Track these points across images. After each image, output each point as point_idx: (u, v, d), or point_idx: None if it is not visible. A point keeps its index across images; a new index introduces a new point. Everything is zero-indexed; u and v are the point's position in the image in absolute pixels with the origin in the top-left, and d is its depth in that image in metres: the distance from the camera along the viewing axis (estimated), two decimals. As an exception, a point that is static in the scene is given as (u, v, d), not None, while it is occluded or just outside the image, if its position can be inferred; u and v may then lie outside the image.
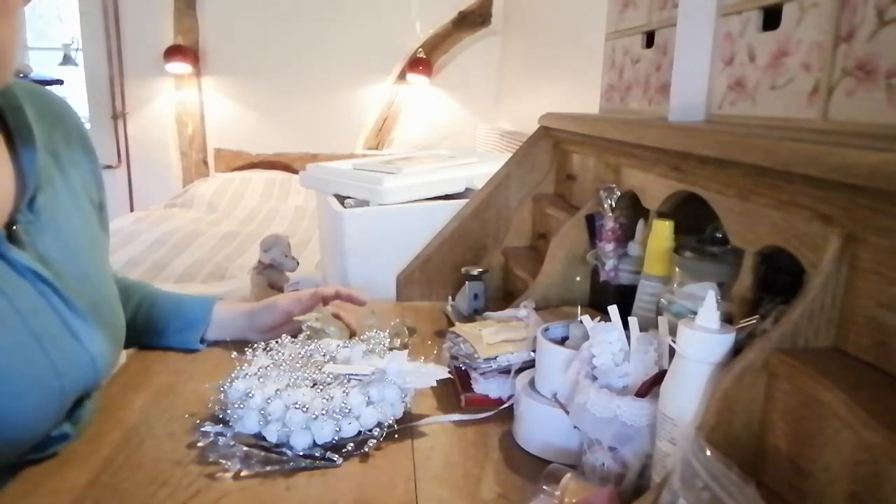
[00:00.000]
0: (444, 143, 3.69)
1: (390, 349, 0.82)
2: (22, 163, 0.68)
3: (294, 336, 0.87)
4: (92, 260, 0.74)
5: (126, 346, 0.83)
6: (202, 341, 0.93)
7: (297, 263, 1.43)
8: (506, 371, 0.77)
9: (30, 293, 0.63)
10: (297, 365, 0.77)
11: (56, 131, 0.74)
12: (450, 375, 0.78)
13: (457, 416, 0.76)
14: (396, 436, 0.70)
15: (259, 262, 1.40)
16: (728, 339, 0.52)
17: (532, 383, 0.72)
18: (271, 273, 1.39)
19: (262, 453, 0.65)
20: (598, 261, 0.85)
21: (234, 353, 0.80)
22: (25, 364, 0.61)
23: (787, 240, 0.55)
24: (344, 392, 0.69)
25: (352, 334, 0.95)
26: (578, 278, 0.93)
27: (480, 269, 1.07)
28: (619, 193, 0.83)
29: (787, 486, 0.49)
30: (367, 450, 0.67)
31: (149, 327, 0.91)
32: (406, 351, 0.80)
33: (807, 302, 0.50)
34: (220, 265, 2.23)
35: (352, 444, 0.67)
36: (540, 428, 0.68)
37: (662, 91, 0.93)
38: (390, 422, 0.69)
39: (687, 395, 0.52)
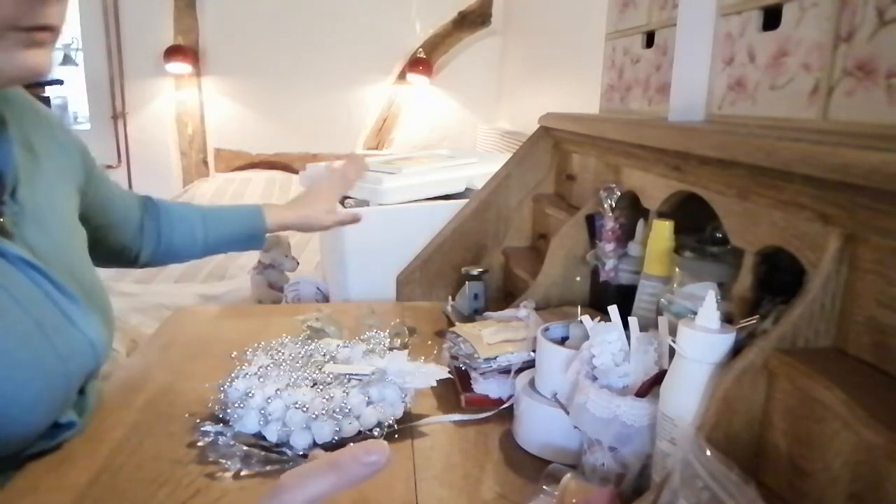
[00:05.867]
0: (444, 143, 3.69)
1: (390, 349, 0.82)
2: None
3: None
4: (74, 249, 0.74)
5: (186, 260, 1.01)
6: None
7: (297, 263, 1.43)
8: (506, 371, 0.77)
9: (25, 283, 0.63)
10: (297, 365, 0.77)
11: (25, 124, 0.73)
12: (450, 375, 0.78)
13: (457, 416, 0.76)
14: (396, 436, 0.70)
15: (259, 262, 1.40)
16: (728, 339, 0.52)
17: (532, 383, 0.72)
18: (271, 273, 1.40)
19: (262, 453, 0.65)
20: (598, 261, 0.85)
21: (234, 352, 0.80)
22: (31, 352, 0.62)
23: (787, 240, 0.55)
24: (344, 392, 0.69)
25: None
26: (578, 278, 0.93)
27: (480, 269, 1.07)
28: (619, 193, 0.83)
29: (787, 486, 0.49)
30: (367, 450, 0.67)
31: (217, 246, 1.02)
32: (406, 351, 0.80)
33: (807, 302, 0.50)
34: (221, 265, 2.22)
35: (352, 444, 0.67)
36: (540, 428, 0.68)
37: (662, 91, 0.93)
38: (390, 422, 0.69)
39: (687, 395, 0.52)
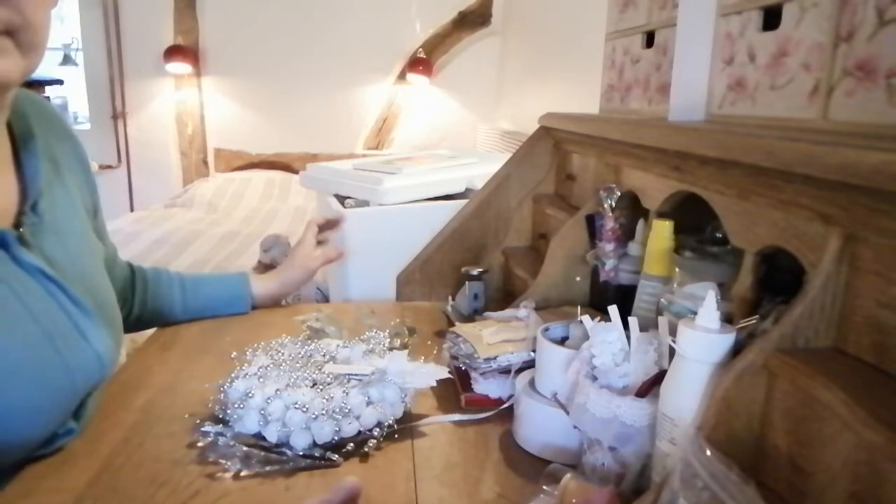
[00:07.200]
0: (444, 143, 3.69)
1: (390, 349, 0.82)
2: (25, 168, 0.69)
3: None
4: (90, 263, 0.75)
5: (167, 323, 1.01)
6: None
7: (297, 263, 1.42)
8: (506, 371, 0.77)
9: (40, 293, 0.64)
10: (297, 365, 0.76)
11: (52, 137, 0.75)
12: (450, 375, 0.78)
13: (457, 416, 0.76)
14: (396, 436, 0.70)
15: (259, 262, 1.40)
16: (728, 339, 0.52)
17: (532, 383, 0.72)
18: (271, 273, 1.39)
19: (262, 453, 0.65)
20: (598, 261, 0.85)
21: (234, 352, 0.80)
22: (39, 364, 0.62)
23: (787, 240, 0.55)
24: (344, 392, 0.69)
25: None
26: (578, 278, 0.93)
27: (480, 269, 1.07)
28: (619, 193, 0.83)
29: (787, 486, 0.49)
30: (367, 450, 0.67)
31: (198, 307, 1.03)
32: (406, 351, 0.80)
33: (807, 302, 0.50)
34: (220, 265, 2.23)
35: (352, 444, 0.67)
36: (540, 428, 0.68)
37: (662, 91, 0.93)
38: (390, 422, 0.69)
39: (687, 395, 0.52)
